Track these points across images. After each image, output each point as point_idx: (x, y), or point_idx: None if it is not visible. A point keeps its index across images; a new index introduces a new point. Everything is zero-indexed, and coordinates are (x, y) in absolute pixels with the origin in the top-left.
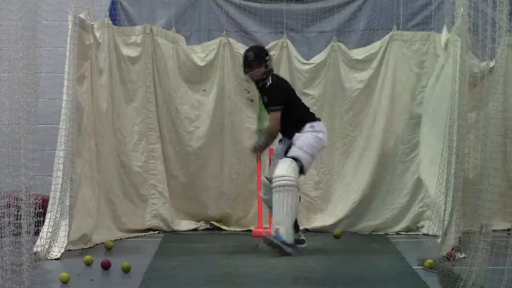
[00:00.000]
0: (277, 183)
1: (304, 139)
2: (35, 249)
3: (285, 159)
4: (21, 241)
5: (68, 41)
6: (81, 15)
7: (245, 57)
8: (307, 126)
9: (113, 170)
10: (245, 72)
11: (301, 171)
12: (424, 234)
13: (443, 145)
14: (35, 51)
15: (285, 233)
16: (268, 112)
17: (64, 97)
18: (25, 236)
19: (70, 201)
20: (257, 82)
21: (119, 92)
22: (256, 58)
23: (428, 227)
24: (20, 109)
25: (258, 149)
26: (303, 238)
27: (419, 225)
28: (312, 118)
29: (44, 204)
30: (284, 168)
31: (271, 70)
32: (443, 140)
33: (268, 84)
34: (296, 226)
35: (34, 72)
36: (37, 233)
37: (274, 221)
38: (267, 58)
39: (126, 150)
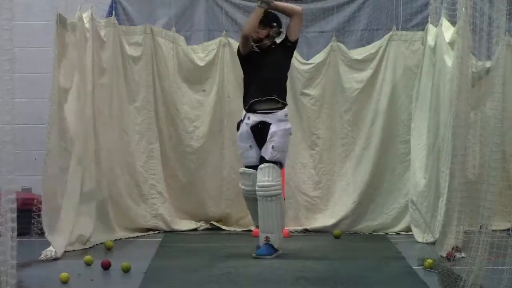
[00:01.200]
0: (264, 193)
1: (280, 139)
2: (34, 249)
3: (266, 165)
4: (21, 240)
5: (53, 40)
6: (72, 14)
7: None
8: (283, 113)
9: (117, 170)
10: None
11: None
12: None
13: (429, 145)
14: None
15: (277, 240)
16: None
17: (50, 97)
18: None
19: (68, 201)
20: (257, 42)
21: (123, 91)
22: (267, 20)
23: (421, 235)
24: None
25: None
26: None
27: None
28: (286, 101)
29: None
30: (269, 176)
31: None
32: (428, 140)
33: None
34: None
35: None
36: (36, 233)
37: (263, 229)
38: (274, 24)
39: (129, 150)
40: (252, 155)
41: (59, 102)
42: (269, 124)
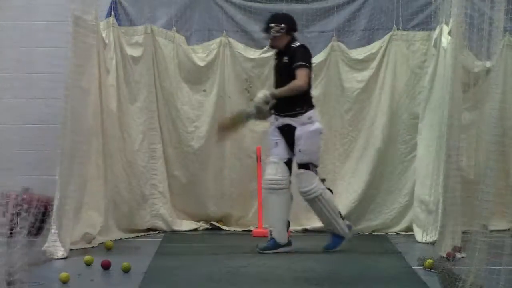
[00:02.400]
0: (307, 197)
1: (305, 141)
2: (36, 249)
3: (300, 171)
4: (22, 241)
5: (70, 41)
6: (88, 15)
7: (266, 21)
8: (306, 116)
9: (120, 170)
10: (266, 36)
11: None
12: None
13: (437, 145)
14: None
15: (340, 230)
16: (295, 68)
17: (64, 98)
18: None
19: (72, 201)
20: (274, 47)
21: (124, 92)
22: (275, 25)
23: (422, 234)
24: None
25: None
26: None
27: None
28: (312, 104)
29: (46, 204)
30: (305, 182)
31: (293, 38)
32: (437, 140)
33: (296, 45)
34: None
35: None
36: (37, 233)
37: (326, 226)
38: (282, 26)
39: (132, 150)
40: (277, 152)
41: (72, 102)
42: (294, 128)
